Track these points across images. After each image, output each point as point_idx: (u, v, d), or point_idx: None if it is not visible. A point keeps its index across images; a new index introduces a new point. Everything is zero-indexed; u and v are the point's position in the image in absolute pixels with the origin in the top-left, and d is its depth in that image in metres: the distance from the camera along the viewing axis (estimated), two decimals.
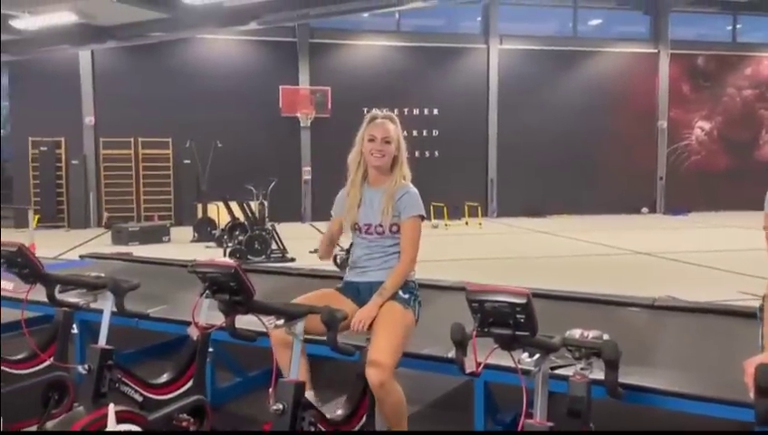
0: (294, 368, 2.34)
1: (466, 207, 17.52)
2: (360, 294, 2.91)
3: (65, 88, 16.61)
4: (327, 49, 18.48)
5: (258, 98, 17.55)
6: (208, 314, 2.88)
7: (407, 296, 2.86)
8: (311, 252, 11.26)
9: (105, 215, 16.96)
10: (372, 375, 2.57)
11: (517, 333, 1.82)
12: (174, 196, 17.48)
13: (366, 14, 17.47)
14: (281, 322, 2.31)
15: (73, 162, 16.91)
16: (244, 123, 17.29)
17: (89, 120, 17.07)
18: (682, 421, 3.25)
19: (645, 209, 20.16)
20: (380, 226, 2.91)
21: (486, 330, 1.85)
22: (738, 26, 21.01)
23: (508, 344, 1.85)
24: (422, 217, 2.94)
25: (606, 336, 2.38)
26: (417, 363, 3.35)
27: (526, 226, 16.77)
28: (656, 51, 20.26)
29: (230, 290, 2.34)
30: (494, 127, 19.52)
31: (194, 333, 2.87)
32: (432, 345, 3.21)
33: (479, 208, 17.74)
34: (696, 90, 20.63)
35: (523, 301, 1.78)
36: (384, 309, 2.77)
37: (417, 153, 18.57)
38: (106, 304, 2.82)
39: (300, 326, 2.36)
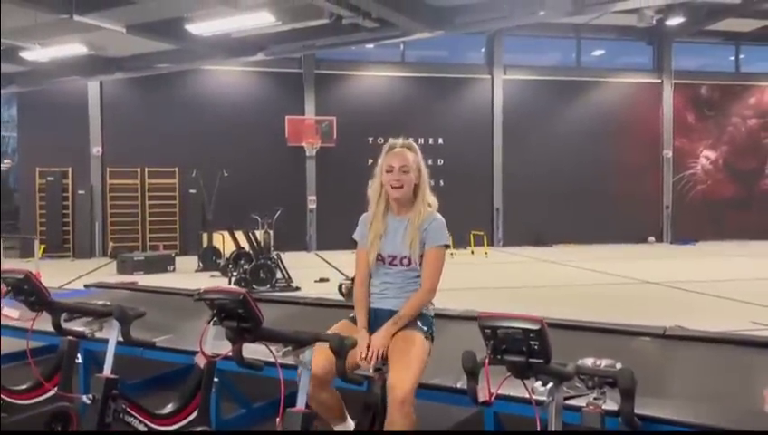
0: (302, 397, 2.30)
1: (472, 236, 17.48)
2: (376, 320, 2.85)
3: (73, 118, 16.79)
4: (332, 80, 18.68)
5: (264, 128, 17.69)
6: (213, 343, 2.85)
7: (425, 329, 2.82)
8: (316, 281, 11.26)
9: (110, 244, 16.97)
10: (395, 392, 2.50)
11: (531, 360, 1.78)
12: (179, 225, 17.50)
13: (371, 46, 17.71)
14: (288, 349, 2.27)
15: (80, 192, 16.99)
16: (250, 153, 17.40)
17: (96, 150, 17.20)
18: None
19: (651, 238, 20.06)
20: (406, 258, 2.86)
21: (500, 357, 1.82)
22: (741, 56, 21.16)
23: (521, 372, 1.81)
24: (447, 246, 2.92)
25: (619, 365, 2.34)
26: (426, 394, 3.28)
27: (532, 255, 16.70)
28: (659, 81, 20.39)
29: (238, 317, 2.31)
30: (498, 156, 19.58)
31: (201, 361, 2.83)
32: (441, 375, 3.15)
33: (485, 237, 17.69)
34: (700, 119, 20.70)
35: (536, 327, 1.75)
36: (405, 335, 2.74)
37: None
38: (112, 333, 2.80)
39: (308, 354, 2.32)
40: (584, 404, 2.31)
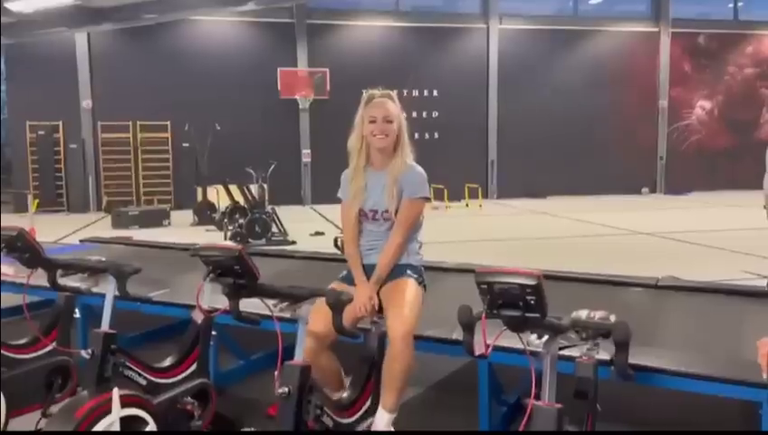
0: (300, 350, 2.32)
1: (467, 189, 17.48)
2: (368, 277, 2.85)
3: (62, 72, 16.47)
4: (325, 30, 18.30)
5: (256, 80, 17.41)
6: (211, 297, 2.86)
7: (416, 276, 2.85)
8: (311, 235, 11.29)
9: (105, 199, 16.92)
10: (395, 330, 2.53)
11: (527, 314, 1.80)
12: (173, 179, 17.42)
13: None
14: (286, 304, 2.29)
15: (71, 146, 16.85)
16: (242, 106, 17.18)
17: (86, 103, 16.95)
18: (688, 401, 3.25)
19: (645, 189, 20.12)
20: (387, 211, 2.83)
21: (496, 312, 1.83)
22: (740, 4, 20.80)
23: (518, 326, 1.83)
24: (426, 200, 2.85)
25: (613, 317, 2.37)
26: (421, 345, 3.33)
27: (527, 207, 16.75)
28: (657, 29, 20.07)
29: (234, 273, 2.32)
30: (493, 108, 19.41)
31: (198, 317, 2.85)
32: (435, 327, 3.19)
33: (479, 190, 17.69)
34: (697, 69, 20.48)
35: (533, 282, 1.76)
36: (397, 283, 2.76)
37: (416, 135, 18.18)
38: (108, 288, 2.80)
39: (305, 309, 2.34)
40: (578, 354, 2.35)
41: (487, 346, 1.87)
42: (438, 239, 10.70)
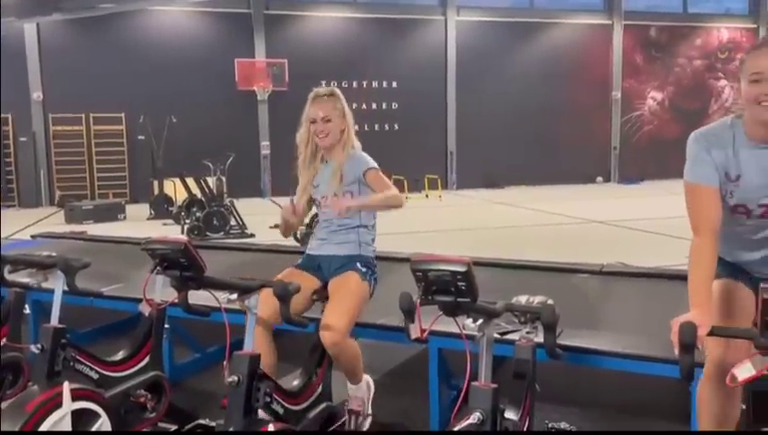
0: (249, 340, 2.38)
1: (427, 180, 17.65)
2: (320, 268, 2.94)
3: (11, 63, 15.95)
4: (283, 20, 18.17)
5: (213, 72, 17.20)
6: (165, 290, 2.89)
7: (364, 270, 2.91)
8: (271, 227, 11.24)
9: (57, 193, 16.53)
10: (326, 338, 2.64)
11: (459, 299, 1.90)
12: (129, 173, 17.12)
13: None
14: (234, 296, 2.34)
15: (22, 139, 16.39)
16: (199, 98, 16.95)
17: (36, 95, 16.49)
18: (625, 380, 3.42)
19: (600, 178, 20.64)
20: (336, 196, 2.91)
21: (430, 298, 1.93)
22: None
23: (451, 311, 1.93)
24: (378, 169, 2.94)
25: (550, 301, 2.49)
26: (375, 333, 3.43)
27: (485, 197, 17.01)
28: (610, 22, 20.54)
29: (181, 266, 2.36)
30: (452, 99, 19.60)
31: (146, 309, 2.88)
32: (388, 315, 3.28)
33: (439, 181, 17.89)
34: (648, 60, 21.05)
35: (463, 269, 1.85)
36: (341, 279, 2.84)
37: (376, 126, 18.56)
38: (57, 284, 2.80)
39: (254, 300, 2.39)
40: (517, 338, 2.47)
41: (423, 331, 1.97)
42: (398, 230, 10.79)
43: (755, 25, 21.33)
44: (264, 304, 2.52)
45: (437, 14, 19.46)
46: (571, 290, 3.99)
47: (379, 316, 3.26)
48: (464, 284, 1.85)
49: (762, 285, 1.56)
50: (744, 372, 1.61)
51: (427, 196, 17.31)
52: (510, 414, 2.17)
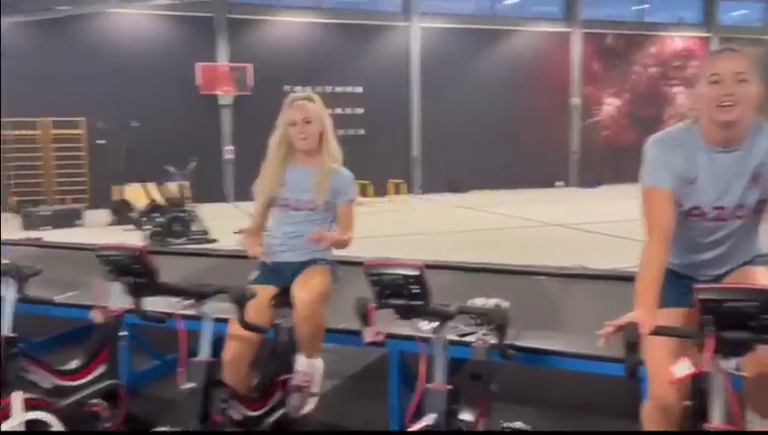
0: (205, 347, 2.37)
1: (391, 185, 17.72)
2: (282, 275, 2.91)
3: None
4: (246, 25, 18.06)
5: (175, 75, 16.99)
6: (123, 297, 2.84)
7: (329, 267, 2.97)
8: (234, 232, 11.13)
9: (14, 199, 16.06)
10: (300, 296, 2.70)
11: (412, 303, 1.93)
12: (89, 178, 16.75)
13: None
14: (189, 302, 2.33)
15: None
16: (160, 102, 16.72)
17: None
18: (583, 380, 3.50)
19: (560, 183, 21.03)
20: (311, 202, 2.93)
21: (384, 302, 1.96)
22: (645, 6, 22.03)
23: (405, 314, 1.96)
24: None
25: (505, 304, 2.55)
26: (337, 338, 3.44)
27: (449, 201, 17.16)
28: (569, 30, 20.98)
29: (134, 272, 2.34)
30: (416, 104, 19.74)
31: (98, 317, 2.84)
32: (350, 320, 3.30)
33: (403, 185, 17.98)
34: (606, 68, 21.57)
35: (416, 273, 1.89)
36: (310, 268, 2.89)
37: (341, 131, 18.34)
38: (8, 291, 2.74)
39: (210, 306, 2.39)
40: (474, 340, 2.52)
41: (377, 334, 1.99)
42: (362, 235, 10.81)
43: (708, 34, 22.04)
44: (229, 342, 2.56)
45: (401, 21, 19.59)
46: (530, 292, 4.06)
47: (341, 321, 3.28)
48: (417, 287, 1.89)
49: (696, 286, 1.62)
50: (683, 369, 1.67)
51: (391, 200, 17.37)
52: (466, 415, 2.21)
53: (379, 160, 18.35)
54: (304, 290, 2.75)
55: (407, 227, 12.50)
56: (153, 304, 2.56)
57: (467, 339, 2.71)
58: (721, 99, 1.95)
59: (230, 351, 2.61)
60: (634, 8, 22.04)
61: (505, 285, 4.22)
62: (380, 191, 17.47)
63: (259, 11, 18.16)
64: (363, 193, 16.64)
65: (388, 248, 8.91)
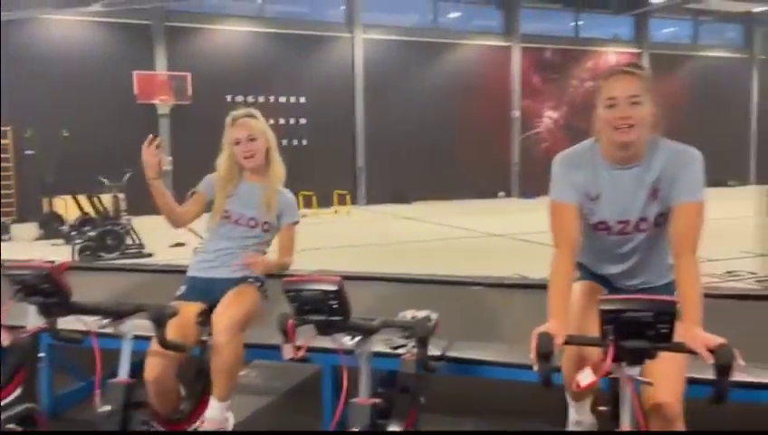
0: (124, 367, 2.28)
1: (335, 196, 17.67)
2: (211, 292, 2.83)
3: None
4: (185, 33, 17.73)
5: (110, 84, 16.48)
6: (39, 317, 2.71)
7: (258, 284, 2.93)
8: (171, 246, 10.86)
9: None
10: (218, 322, 2.61)
11: (331, 318, 1.91)
12: (16, 190, 16.02)
13: None
14: (106, 321, 2.24)
15: None
16: (94, 111, 16.17)
17: None
18: (521, 389, 3.55)
19: (501, 193, 21.45)
20: (253, 219, 2.89)
21: (304, 318, 1.93)
22: (580, 22, 22.82)
23: (324, 330, 1.94)
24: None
25: (434, 316, 2.56)
26: (271, 354, 3.37)
27: (393, 212, 17.23)
28: (508, 44, 21.50)
29: (44, 292, 2.23)
30: (361, 115, 19.79)
31: (6, 339, 2.69)
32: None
33: (348, 196, 17.95)
34: (544, 81, 22.19)
35: (334, 288, 1.87)
36: (238, 288, 2.83)
37: (284, 142, 18.39)
38: None
39: (128, 325, 2.30)
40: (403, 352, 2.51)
41: (297, 350, 1.96)
42: (306, 247, 10.71)
43: (639, 50, 22.99)
44: (150, 360, 2.48)
45: (344, 32, 19.64)
46: (467, 302, 4.10)
47: (273, 336, 3.23)
48: (335, 302, 1.87)
49: (599, 297, 1.68)
50: (586, 378, 1.73)
51: (336, 211, 17.32)
52: (393, 427, 2.19)
53: (323, 171, 18.29)
54: (224, 316, 2.67)
55: (351, 239, 12.47)
56: (73, 323, 2.44)
57: (399, 351, 2.71)
58: (617, 122, 2.05)
59: (151, 370, 2.51)
60: (571, 24, 22.78)
61: (443, 295, 4.24)
62: (325, 202, 17.39)
63: (198, 19, 17.86)
64: (308, 204, 16.57)
65: (332, 260, 8.87)
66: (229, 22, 18.36)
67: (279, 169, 2.97)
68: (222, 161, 2.96)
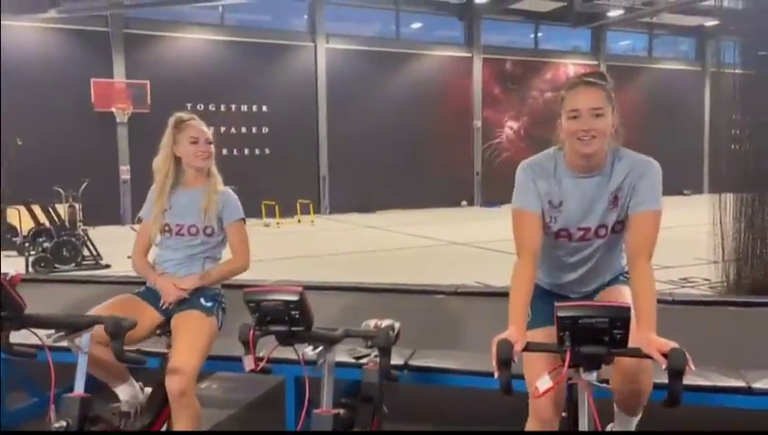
0: (80, 382, 2.22)
1: (299, 205, 17.57)
2: (160, 301, 2.81)
3: None
4: (145, 41, 17.45)
5: (67, 91, 16.11)
6: None
7: (209, 305, 2.82)
8: (129, 257, 10.63)
9: None
10: (173, 383, 2.52)
11: (293, 328, 1.89)
12: None
13: (187, 7, 16.81)
14: (61, 334, 2.18)
15: None
16: (50, 119, 15.76)
17: None
18: (484, 396, 3.57)
19: (464, 202, 21.65)
20: (194, 226, 2.84)
21: (264, 328, 1.91)
22: (540, 34, 23.28)
23: (286, 340, 1.92)
24: (244, 220, 2.96)
25: (397, 325, 2.56)
26: (232, 366, 3.33)
27: (357, 221, 17.22)
28: (470, 55, 21.79)
29: None
30: (324, 124, 19.76)
31: None
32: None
33: (311, 206, 17.88)
34: (505, 92, 22.54)
35: (295, 298, 1.86)
36: (184, 317, 2.73)
37: (246, 151, 18.27)
38: None
39: (85, 338, 2.24)
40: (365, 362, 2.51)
41: (257, 361, 1.94)
42: (268, 257, 10.63)
43: (597, 62, 23.56)
44: (96, 341, 2.37)
45: (307, 41, 19.62)
46: (429, 311, 4.12)
47: (236, 347, 3.19)
48: (297, 312, 1.85)
49: (556, 304, 1.71)
50: (544, 384, 1.76)
51: (299, 221, 17.22)
52: None
53: (286, 180, 18.18)
54: (180, 360, 2.56)
55: (314, 248, 12.40)
56: (26, 337, 2.37)
57: (362, 361, 2.71)
58: (580, 134, 2.09)
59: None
60: (531, 36, 23.22)
61: (405, 304, 4.25)
62: (288, 212, 17.28)
63: (158, 27, 17.60)
64: (270, 214, 16.43)
65: (294, 270, 8.82)
66: (190, 30, 18.15)
67: (216, 174, 2.95)
68: (161, 164, 2.90)
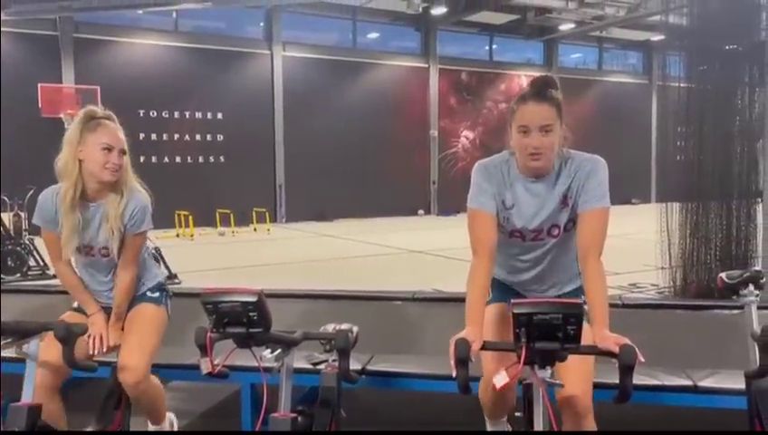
0: (28, 390, 2.15)
1: (254, 214, 17.39)
2: (105, 311, 2.72)
3: None
4: (96, 45, 17.04)
5: (12, 96, 15.53)
6: None
7: (157, 295, 2.76)
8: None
9: None
10: (127, 377, 2.47)
11: (251, 330, 1.88)
12: None
13: (140, 12, 16.50)
14: (9, 340, 2.11)
15: None
16: None
17: None
18: (443, 399, 3.61)
19: (421, 211, 21.81)
20: (105, 248, 2.56)
21: (222, 330, 1.89)
22: (494, 46, 23.71)
23: (244, 342, 1.91)
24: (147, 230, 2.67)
25: (356, 329, 2.57)
26: (187, 374, 3.28)
27: (313, 230, 17.15)
28: (426, 65, 22.03)
29: None
30: (280, 132, 19.63)
31: None
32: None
33: (267, 214, 17.71)
34: (461, 102, 22.85)
35: (254, 299, 1.85)
36: (132, 312, 2.67)
37: (200, 158, 18.00)
38: None
39: (33, 345, 2.17)
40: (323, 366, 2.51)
41: (214, 366, 1.92)
42: (224, 265, 10.49)
43: (548, 74, 24.11)
44: (49, 348, 2.29)
45: (264, 49, 19.50)
46: (386, 317, 4.14)
47: (191, 355, 3.13)
48: (255, 314, 1.84)
49: (512, 300, 1.75)
50: (501, 379, 1.80)
51: (255, 229, 17.03)
52: None
53: (241, 189, 17.96)
54: (132, 356, 2.49)
55: (271, 257, 12.29)
56: None
57: (320, 367, 2.69)
58: (530, 150, 2.16)
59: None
60: (486, 48, 23.63)
61: (362, 310, 4.26)
62: (243, 220, 17.06)
63: (110, 31, 17.21)
64: (225, 222, 16.21)
65: (251, 279, 8.70)
66: (143, 35, 17.82)
67: (128, 190, 2.56)
68: (69, 167, 2.48)
